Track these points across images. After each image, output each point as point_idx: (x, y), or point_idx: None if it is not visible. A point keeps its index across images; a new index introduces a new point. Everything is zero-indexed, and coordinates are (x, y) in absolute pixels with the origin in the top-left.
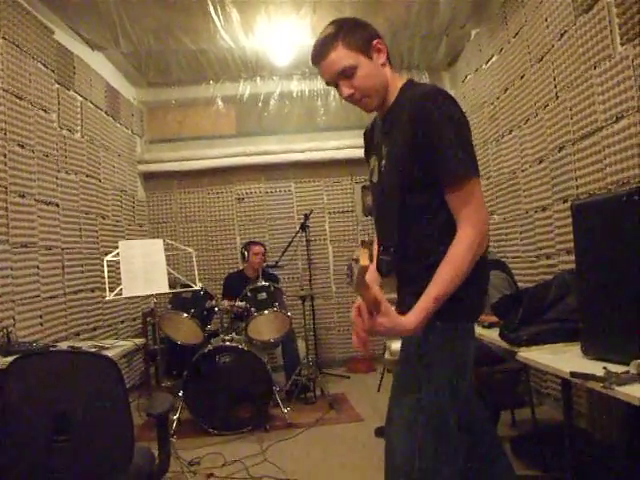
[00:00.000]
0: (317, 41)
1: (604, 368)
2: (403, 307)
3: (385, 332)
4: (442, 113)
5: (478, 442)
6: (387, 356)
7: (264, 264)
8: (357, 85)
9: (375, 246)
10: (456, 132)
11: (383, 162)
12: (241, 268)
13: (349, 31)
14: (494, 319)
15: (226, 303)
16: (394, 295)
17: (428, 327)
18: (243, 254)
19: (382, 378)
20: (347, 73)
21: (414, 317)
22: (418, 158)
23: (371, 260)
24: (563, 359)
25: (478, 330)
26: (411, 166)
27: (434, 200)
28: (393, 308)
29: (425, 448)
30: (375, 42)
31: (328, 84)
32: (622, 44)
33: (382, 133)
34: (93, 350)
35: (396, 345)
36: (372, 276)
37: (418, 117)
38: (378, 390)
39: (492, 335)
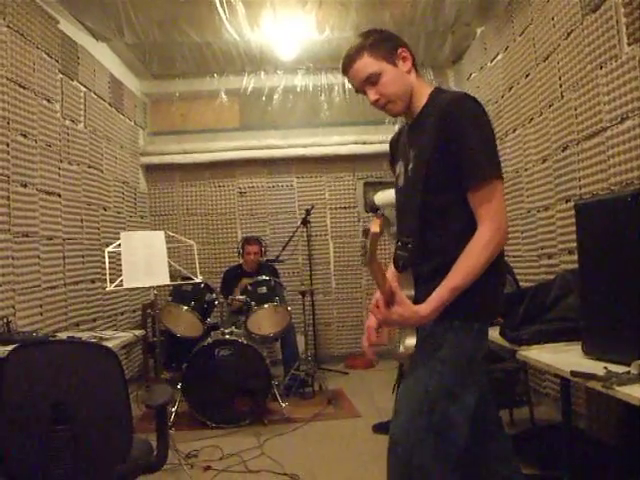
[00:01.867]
0: (346, 52)
1: (605, 368)
2: (420, 303)
3: (400, 320)
4: (469, 117)
5: (487, 443)
6: (401, 349)
7: (264, 259)
8: (382, 91)
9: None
10: (481, 136)
11: (410, 165)
12: (239, 262)
13: (375, 41)
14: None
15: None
16: (410, 292)
17: (445, 324)
18: (239, 250)
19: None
20: (372, 80)
21: (428, 305)
22: (444, 160)
23: (381, 230)
24: (564, 358)
25: None
26: (437, 167)
27: (457, 202)
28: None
29: (426, 439)
30: (400, 50)
31: (357, 92)
32: (629, 44)
33: (410, 138)
34: (93, 341)
35: (410, 340)
36: (389, 272)
37: (445, 121)
38: (393, 391)
39: (492, 334)
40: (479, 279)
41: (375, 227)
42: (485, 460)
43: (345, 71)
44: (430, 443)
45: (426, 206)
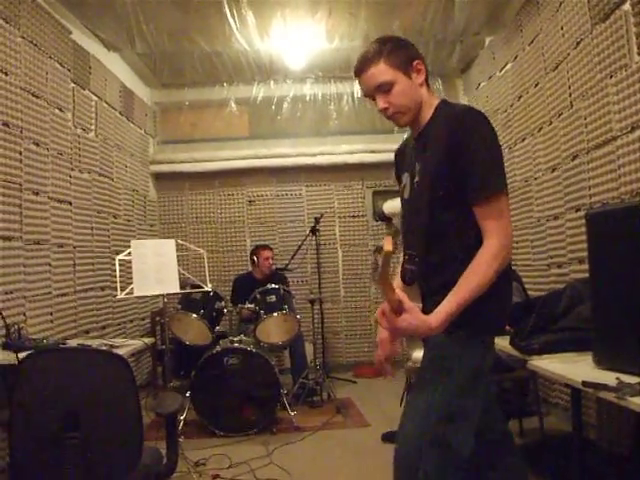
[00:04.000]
0: (361, 55)
1: (617, 378)
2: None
3: (408, 328)
4: (477, 131)
5: (494, 454)
6: (409, 364)
7: (273, 267)
8: (392, 101)
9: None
10: (488, 150)
11: (416, 179)
12: (250, 270)
13: (392, 49)
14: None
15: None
16: (417, 305)
17: (452, 336)
18: (252, 259)
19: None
20: (384, 88)
21: (437, 317)
22: (451, 174)
23: (395, 249)
24: (575, 368)
25: None
26: (443, 181)
27: (463, 216)
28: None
29: (431, 450)
30: (415, 63)
31: (366, 96)
32: (639, 54)
33: (416, 151)
34: (104, 348)
35: (418, 353)
36: (396, 283)
37: (454, 134)
38: (400, 404)
39: (502, 343)
40: (487, 292)
41: (388, 246)
42: (490, 471)
43: (358, 74)
44: (435, 455)
45: (433, 220)
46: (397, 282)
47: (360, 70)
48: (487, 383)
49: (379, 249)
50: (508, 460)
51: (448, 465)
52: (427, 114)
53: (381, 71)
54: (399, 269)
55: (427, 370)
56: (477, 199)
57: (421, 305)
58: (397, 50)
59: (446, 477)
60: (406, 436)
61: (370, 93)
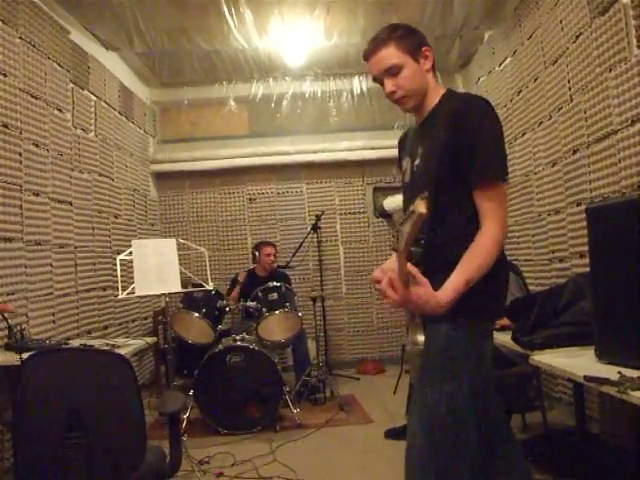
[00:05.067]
0: (372, 38)
1: (619, 373)
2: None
3: (418, 302)
4: (485, 117)
5: (494, 443)
6: (409, 347)
7: (275, 264)
8: (400, 84)
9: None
10: (495, 137)
11: (417, 162)
12: (252, 267)
13: (403, 34)
14: (506, 322)
15: (234, 296)
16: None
17: (452, 323)
18: (254, 255)
19: (398, 380)
20: (393, 71)
21: (445, 293)
22: (453, 159)
23: (429, 211)
24: (577, 363)
25: None
26: (445, 166)
27: (464, 198)
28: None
29: (444, 440)
30: (424, 49)
31: (375, 80)
32: (639, 47)
33: (420, 136)
34: (106, 348)
35: (420, 337)
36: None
37: (462, 117)
38: (394, 392)
39: (504, 338)
40: (486, 276)
41: (422, 208)
42: (494, 463)
43: (367, 57)
44: (445, 452)
45: (434, 202)
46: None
47: (371, 52)
48: (488, 373)
49: (412, 213)
50: (509, 447)
51: (459, 461)
52: (433, 100)
53: (391, 54)
54: None
55: (430, 360)
56: (480, 183)
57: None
58: (407, 36)
59: (459, 474)
60: (415, 436)
61: (378, 76)
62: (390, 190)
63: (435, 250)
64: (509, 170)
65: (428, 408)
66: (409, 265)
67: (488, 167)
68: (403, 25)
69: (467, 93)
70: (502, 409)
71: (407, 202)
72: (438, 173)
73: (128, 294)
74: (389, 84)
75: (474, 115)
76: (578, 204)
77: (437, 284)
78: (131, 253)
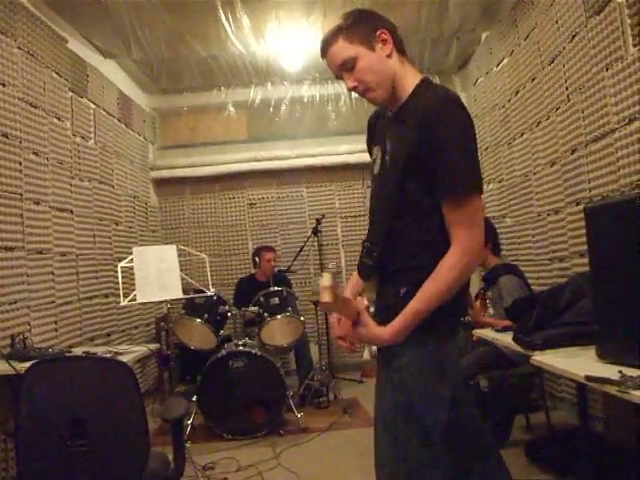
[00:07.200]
0: (323, 36)
1: (620, 372)
2: (382, 304)
3: (364, 341)
4: (454, 126)
5: (472, 451)
6: (366, 356)
7: (276, 269)
8: (358, 77)
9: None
10: (465, 148)
11: (387, 158)
12: (252, 273)
13: (351, 24)
14: (508, 323)
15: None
16: (372, 295)
17: (405, 341)
18: (254, 260)
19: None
20: (348, 65)
21: (391, 329)
22: (420, 167)
23: (334, 296)
24: (578, 363)
25: (492, 334)
26: (411, 173)
27: (428, 207)
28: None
29: (407, 454)
30: (379, 32)
31: (337, 78)
32: (634, 45)
33: (389, 127)
34: (108, 355)
35: (374, 347)
36: (354, 280)
37: (429, 125)
38: None
39: (506, 339)
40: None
41: (324, 297)
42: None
43: (322, 57)
44: (412, 453)
45: (397, 211)
46: (355, 275)
47: (323, 52)
48: (455, 374)
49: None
50: (491, 460)
51: (432, 454)
52: (405, 91)
53: (341, 48)
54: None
55: (384, 371)
56: (446, 199)
57: (375, 296)
58: (356, 24)
59: (424, 469)
60: (381, 441)
61: (337, 73)
62: None
63: (392, 258)
64: (509, 170)
65: (386, 422)
66: (355, 302)
67: (455, 183)
68: (355, 11)
69: (442, 94)
70: (479, 420)
71: (373, 202)
72: (398, 182)
73: (130, 301)
74: (348, 80)
75: (444, 125)
76: (577, 203)
77: (389, 294)
78: (132, 260)
